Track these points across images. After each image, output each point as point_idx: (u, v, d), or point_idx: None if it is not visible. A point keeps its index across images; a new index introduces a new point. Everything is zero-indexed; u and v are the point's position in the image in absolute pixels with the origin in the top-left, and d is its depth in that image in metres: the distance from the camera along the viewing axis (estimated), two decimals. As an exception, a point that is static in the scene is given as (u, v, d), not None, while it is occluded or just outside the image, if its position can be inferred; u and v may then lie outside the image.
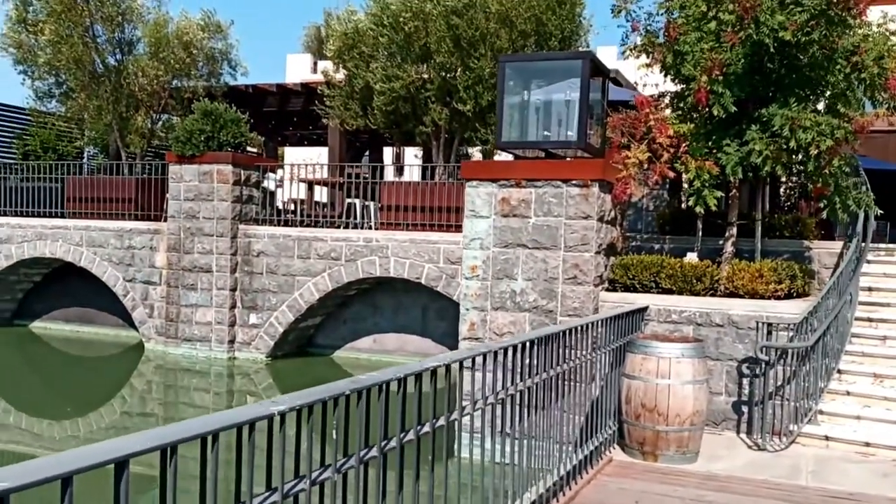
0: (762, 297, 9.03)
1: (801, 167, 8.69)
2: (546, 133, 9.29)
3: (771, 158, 8.56)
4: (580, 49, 14.49)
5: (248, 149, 18.98)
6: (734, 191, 9.86)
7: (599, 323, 7.67)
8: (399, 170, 21.84)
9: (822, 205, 9.35)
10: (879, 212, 9.78)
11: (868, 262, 11.17)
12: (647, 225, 12.32)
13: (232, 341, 15.89)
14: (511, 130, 9.27)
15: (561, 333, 6.61)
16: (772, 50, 8.22)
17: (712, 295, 9.33)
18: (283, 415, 2.84)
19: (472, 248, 9.21)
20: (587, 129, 8.82)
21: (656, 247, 11.33)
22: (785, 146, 8.39)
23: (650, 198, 12.46)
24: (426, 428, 4.14)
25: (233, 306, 15.87)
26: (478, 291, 9.29)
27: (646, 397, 7.45)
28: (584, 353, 7.53)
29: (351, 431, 3.33)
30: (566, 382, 7.47)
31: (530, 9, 13.20)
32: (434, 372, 4.07)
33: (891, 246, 11.96)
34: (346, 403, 3.31)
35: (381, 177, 18.27)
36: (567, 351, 7.15)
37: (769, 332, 8.12)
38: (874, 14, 10.52)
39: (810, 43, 8.29)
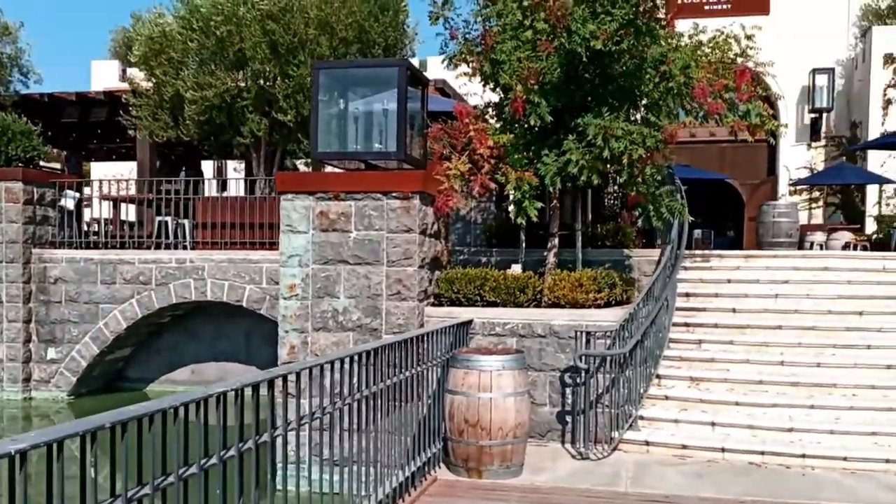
0: (583, 307, 9.47)
1: (617, 176, 9.18)
2: (365, 144, 9.33)
3: (587, 168, 9.02)
4: (405, 58, 14.71)
5: (45, 164, 17.76)
6: (555, 201, 10.29)
7: (421, 338, 7.77)
8: (223, 185, 21.22)
9: (636, 213, 9.95)
10: (690, 219, 10.53)
11: (686, 268, 12.04)
12: (477, 238, 12.65)
13: (27, 380, 14.74)
14: (329, 141, 9.24)
15: (374, 351, 6.63)
16: (584, 59, 8.68)
17: (536, 306, 9.69)
18: (23, 453, 2.64)
19: (289, 265, 9.07)
20: (406, 140, 8.94)
21: (483, 259, 11.64)
22: (600, 155, 8.86)
23: (478, 210, 12.81)
24: (232, 451, 4.03)
25: (27, 340, 14.74)
26: (297, 312, 9.15)
27: (468, 412, 7.61)
28: (406, 369, 7.60)
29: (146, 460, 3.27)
30: (391, 401, 7.52)
31: (351, 15, 13.27)
32: (222, 397, 3.95)
33: (707, 252, 12.97)
34: (112, 436, 3.15)
35: (199, 192, 17.66)
36: (388, 368, 7.19)
37: (587, 341, 8.53)
38: (686, 24, 11.43)
39: (621, 52, 8.83)
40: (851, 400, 8.74)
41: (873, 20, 20.80)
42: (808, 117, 21.80)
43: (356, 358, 6.40)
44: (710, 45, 11.21)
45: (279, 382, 4.74)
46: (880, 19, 20.81)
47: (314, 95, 8.85)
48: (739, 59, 11.25)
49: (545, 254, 10.52)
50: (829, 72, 21.18)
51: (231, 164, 24.71)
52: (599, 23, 8.53)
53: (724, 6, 21.66)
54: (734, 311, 10.73)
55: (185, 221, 15.44)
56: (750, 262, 12.06)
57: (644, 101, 9.36)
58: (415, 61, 16.56)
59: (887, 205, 20.07)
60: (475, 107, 10.56)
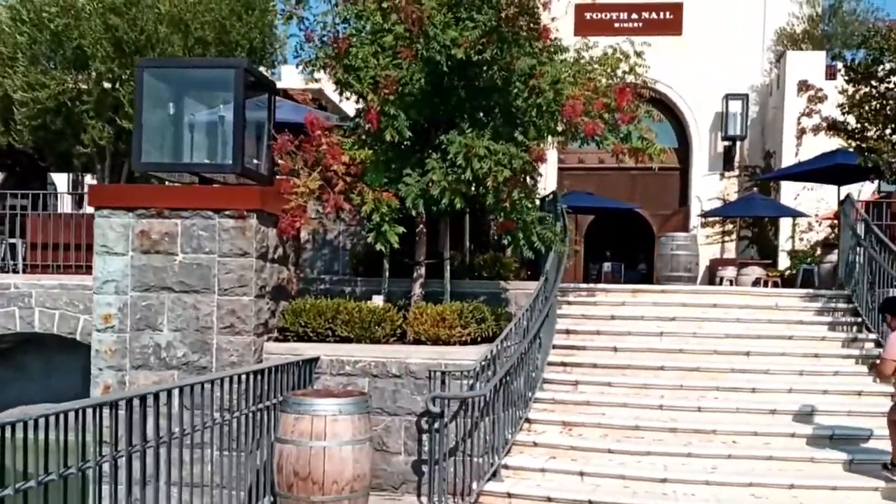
0: (447, 343, 9.36)
1: (483, 200, 9.14)
2: (199, 155, 9.05)
3: (448, 190, 8.95)
4: (275, 62, 14.51)
5: None
6: (421, 226, 10.20)
7: (243, 377, 7.50)
8: (79, 200, 20.41)
9: (506, 241, 9.93)
10: (565, 249, 10.57)
11: (569, 303, 12.13)
12: (345, 266, 12.43)
13: None
14: (156, 150, 8.92)
15: (180, 389, 6.34)
16: (445, 69, 8.64)
17: (397, 342, 9.53)
18: None
19: (104, 292, 8.66)
20: (244, 152, 8.70)
21: (347, 290, 11.44)
22: (462, 177, 8.80)
23: (347, 235, 12.61)
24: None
25: None
26: (113, 346, 8.74)
27: (298, 463, 7.35)
28: (232, 412, 7.30)
29: None
30: (217, 449, 7.19)
31: (210, 12, 13.00)
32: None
33: (592, 286, 13.10)
34: None
35: (45, 208, 16.89)
36: (210, 412, 6.88)
37: (443, 382, 8.39)
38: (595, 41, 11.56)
39: (487, 62, 8.83)
40: (731, 447, 8.84)
41: (788, 45, 21.63)
42: (721, 145, 22.47)
43: (156, 397, 6.10)
44: (600, 61, 11.37)
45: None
46: (795, 44, 21.65)
47: (137, 97, 8.54)
48: (629, 77, 11.41)
49: (413, 284, 10.39)
50: (743, 98, 21.90)
51: (88, 179, 23.84)
52: (462, 29, 8.51)
53: (635, 24, 22.24)
54: (615, 350, 10.82)
55: (17, 241, 14.74)
56: (637, 297, 12.22)
57: (516, 118, 9.34)
58: (289, 68, 16.35)
59: (801, 239, 20.77)
60: (343, 118, 10.43)
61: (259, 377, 7.91)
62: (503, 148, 8.87)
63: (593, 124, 9.44)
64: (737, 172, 22.45)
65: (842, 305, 11.53)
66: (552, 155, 22.02)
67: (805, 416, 9.24)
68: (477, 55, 8.48)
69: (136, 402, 5.84)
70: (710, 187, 22.59)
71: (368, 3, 8.98)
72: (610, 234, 24.70)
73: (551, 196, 12.40)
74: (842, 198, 14.20)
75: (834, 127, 14.16)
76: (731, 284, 18.17)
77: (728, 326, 11.20)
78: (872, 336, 10.78)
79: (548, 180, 22.27)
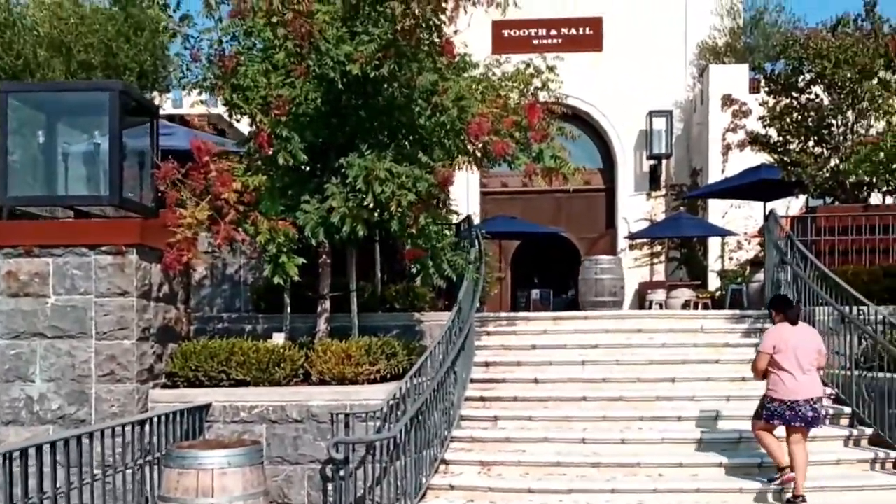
0: (354, 382, 9.06)
1: (388, 226, 8.91)
2: (75, 186, 8.63)
3: (350, 217, 8.70)
4: (169, 87, 14.11)
5: None
6: (324, 257, 9.92)
7: (127, 429, 7.12)
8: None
9: (414, 269, 9.71)
10: (479, 276, 10.40)
11: (488, 333, 11.97)
12: (247, 302, 12.03)
13: None
14: (25, 183, 8.47)
15: (52, 445, 5.93)
16: (340, 86, 8.42)
17: (299, 384, 9.20)
18: None
19: (-34, 340, 8.13)
20: (123, 182, 8.31)
21: (248, 328, 11.07)
22: (363, 202, 8.57)
23: (249, 269, 12.22)
24: None
25: None
26: (-21, 400, 8.19)
27: (184, 523, 6.93)
28: (108, 469, 6.89)
29: None
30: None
31: (94, 34, 12.56)
32: None
33: (513, 315, 12.96)
34: None
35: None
36: (76, 469, 6.47)
37: (347, 425, 8.09)
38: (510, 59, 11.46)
39: (386, 79, 8.64)
40: (657, 481, 8.71)
41: (711, 59, 22.00)
42: (646, 164, 22.69)
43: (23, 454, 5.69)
44: (512, 77, 11.31)
45: None
46: (718, 58, 22.03)
47: (1, 125, 8.08)
48: (542, 94, 11.37)
49: (317, 320, 10.09)
50: (667, 114, 22.16)
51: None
52: (358, 43, 8.30)
53: (554, 41, 22.37)
54: (536, 381, 10.68)
55: None
56: (559, 324, 12.13)
57: (421, 139, 9.17)
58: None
59: (731, 259, 21.02)
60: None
61: (143, 428, 7.52)
62: (406, 170, 8.66)
63: (503, 143, 9.31)
64: (663, 192, 22.69)
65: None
66: (474, 179, 22.02)
67: (732, 443, 9.17)
68: (374, 71, 8.27)
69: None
70: (637, 208, 22.77)
71: (257, 19, 8.71)
72: (537, 260, 24.68)
73: (466, 221, 12.20)
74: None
75: (755, 140, 14.35)
76: (661, 308, 18.26)
77: (653, 352, 11.14)
78: (800, 356, 10.80)
79: (470, 205, 22.18)
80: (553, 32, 22.44)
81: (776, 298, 8.72)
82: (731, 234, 19.93)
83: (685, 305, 17.79)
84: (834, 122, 13.05)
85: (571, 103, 22.66)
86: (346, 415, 8.13)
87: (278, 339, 9.73)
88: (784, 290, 11.42)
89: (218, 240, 8.82)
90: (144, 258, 8.35)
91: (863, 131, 12.48)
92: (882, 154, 10.00)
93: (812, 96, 13.57)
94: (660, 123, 22.16)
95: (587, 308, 15.44)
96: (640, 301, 21.10)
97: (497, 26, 21.62)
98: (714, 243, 21.35)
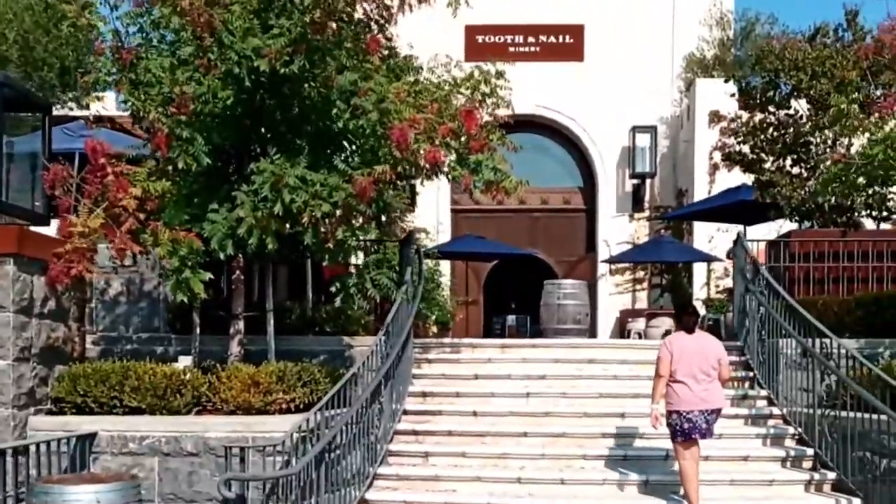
0: (261, 412, 8.75)
1: (301, 240, 8.62)
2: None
3: (258, 228, 8.42)
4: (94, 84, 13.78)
5: None
6: (238, 272, 9.62)
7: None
8: None
9: (333, 288, 9.42)
10: (405, 297, 10.05)
11: (429, 361, 11.64)
12: (166, 321, 11.68)
13: None
14: None
15: None
16: (248, 84, 8.16)
17: (202, 412, 8.87)
18: None
19: None
20: (6, 185, 7.99)
21: (160, 349, 10.78)
22: (272, 212, 8.29)
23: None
24: None
25: None
26: None
27: (40, 567, 6.56)
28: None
29: None
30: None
31: (8, 24, 12.28)
32: None
33: (458, 342, 12.63)
34: None
35: None
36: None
37: (243, 459, 7.73)
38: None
39: (304, 78, 8.40)
40: (594, 527, 8.35)
41: (699, 72, 21.77)
42: (629, 183, 22.41)
43: None
44: (457, 83, 11.04)
45: None
46: (706, 71, 21.77)
47: None
48: (489, 101, 11.09)
49: (230, 342, 9.77)
50: (651, 130, 21.85)
51: None
52: (269, 37, 8.04)
53: (532, 48, 22.19)
54: (475, 414, 10.35)
55: None
56: (506, 352, 11.82)
57: (340, 145, 8.91)
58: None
59: (717, 286, 20.68)
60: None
61: (17, 459, 7.16)
62: (321, 178, 8.41)
63: (434, 152, 9.02)
64: (647, 213, 22.37)
65: (733, 358, 11.21)
66: (445, 195, 21.75)
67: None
68: (283, 67, 7.99)
69: None
70: (619, 230, 22.44)
71: (163, 8, 8.42)
72: (514, 284, 24.34)
73: (407, 238, 11.88)
74: (757, 237, 14.10)
75: (729, 158, 14.08)
76: (640, 337, 17.92)
77: (603, 384, 10.82)
78: (764, 392, 10.53)
79: (440, 223, 21.97)
80: (531, 40, 22.20)
81: (678, 305, 8.71)
82: (715, 259, 19.58)
83: (665, 335, 17.43)
84: (813, 139, 12.80)
85: (550, 116, 22.52)
86: (242, 448, 7.76)
87: (184, 362, 9.42)
88: (750, 320, 11.12)
89: (113, 252, 8.51)
90: (24, 269, 8.03)
91: (843, 150, 12.18)
92: (858, 175, 9.68)
93: (791, 111, 13.31)
94: (644, 140, 21.84)
95: (549, 335, 15.12)
96: (621, 330, 20.77)
97: (471, 31, 21.40)
98: (700, 269, 21.01)
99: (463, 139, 9.88)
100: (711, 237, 20.51)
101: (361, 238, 9.27)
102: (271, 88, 8.55)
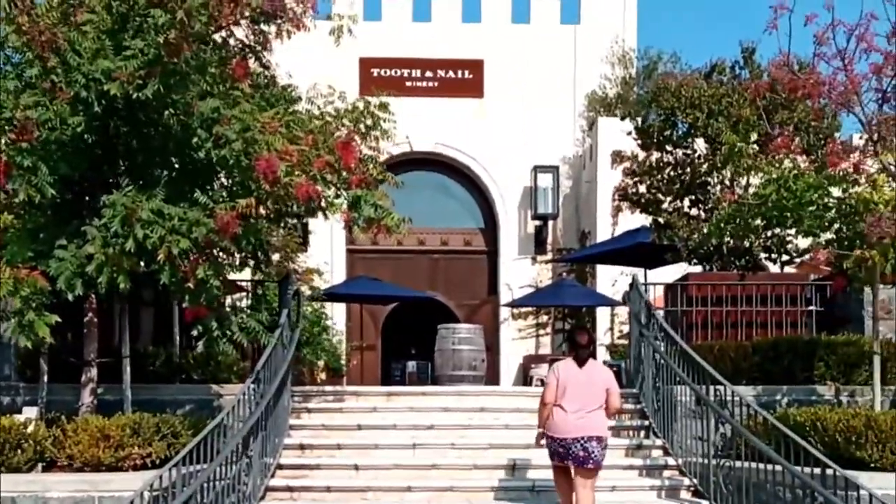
0: (112, 468, 8.27)
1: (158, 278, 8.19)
2: None
3: (109, 265, 7.99)
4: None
5: None
6: (91, 314, 9.14)
7: None
8: None
9: (194, 332, 8.99)
10: (275, 341, 9.67)
11: (309, 411, 11.27)
12: (17, 368, 11.05)
13: None
14: None
15: None
16: (98, 109, 7.76)
17: (46, 469, 8.36)
18: None
19: None
20: None
21: (7, 399, 10.22)
22: (124, 248, 7.87)
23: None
24: None
25: None
26: None
27: None
28: None
29: None
30: None
31: None
32: None
33: (340, 390, 12.31)
34: None
35: None
36: None
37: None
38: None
39: (162, 104, 8.06)
40: (475, 590, 8.03)
41: (601, 111, 21.95)
42: (532, 225, 22.39)
43: None
44: (339, 115, 10.83)
45: None
46: (609, 110, 21.96)
47: None
48: (374, 134, 10.89)
49: (81, 391, 9.25)
50: (553, 170, 21.92)
51: None
52: (121, 59, 7.67)
53: (430, 83, 22.13)
54: (357, 468, 10.00)
55: None
56: (392, 401, 11.53)
57: (201, 176, 8.55)
58: None
59: (620, 332, 20.70)
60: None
61: None
62: (179, 212, 8.05)
63: (307, 186, 8.69)
64: (550, 256, 22.36)
65: (629, 406, 11.12)
66: (339, 234, 21.38)
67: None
68: (136, 92, 7.63)
69: None
70: (521, 273, 22.36)
71: (4, 26, 7.98)
72: (414, 329, 24.02)
73: (285, 279, 11.51)
74: (661, 281, 14.12)
75: (626, 198, 14.10)
76: (542, 384, 17.76)
77: (494, 434, 10.59)
78: (659, 442, 10.41)
79: (335, 264, 21.59)
80: (429, 74, 22.13)
81: (572, 330, 8.68)
82: (618, 303, 19.59)
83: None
84: (711, 179, 12.89)
85: (450, 154, 22.43)
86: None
87: (28, 413, 8.88)
88: (645, 366, 11.02)
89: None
90: None
91: (740, 191, 12.28)
92: (752, 216, 9.68)
93: (689, 151, 13.40)
94: (546, 180, 21.91)
95: (443, 382, 14.85)
96: (525, 376, 20.64)
97: (365, 64, 21.32)
98: (603, 314, 21.04)
99: (345, 174, 9.67)
100: (615, 281, 20.51)
101: (243, 279, 8.85)
102: (126, 115, 8.21)
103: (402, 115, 20.78)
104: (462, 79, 22.28)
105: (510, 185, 22.23)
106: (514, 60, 22.15)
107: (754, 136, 12.70)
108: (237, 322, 8.80)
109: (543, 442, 8.40)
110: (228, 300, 12.57)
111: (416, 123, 21.41)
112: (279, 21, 9.46)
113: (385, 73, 21.67)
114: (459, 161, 22.32)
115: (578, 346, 8.40)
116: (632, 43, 22.86)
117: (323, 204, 9.58)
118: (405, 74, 21.98)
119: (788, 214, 9.56)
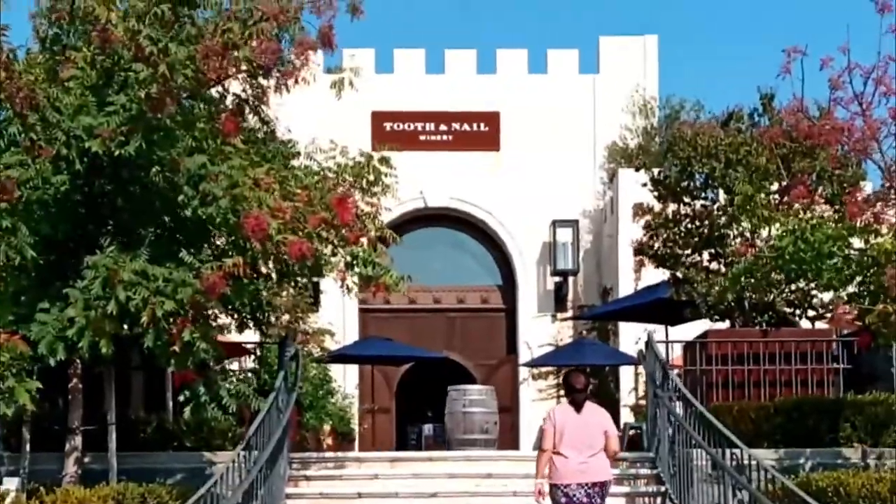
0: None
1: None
2: None
3: (90, 329, 7.93)
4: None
5: None
6: (75, 380, 9.12)
7: None
8: None
9: (182, 398, 8.89)
10: (264, 404, 9.53)
11: (308, 478, 11.10)
12: (1, 437, 10.98)
13: None
14: None
15: None
16: (79, 167, 7.76)
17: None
18: None
19: None
20: None
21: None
22: (106, 311, 7.83)
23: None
24: None
25: None
26: None
27: None
28: None
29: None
30: None
31: None
32: None
33: (342, 456, 12.20)
34: None
35: None
36: None
37: None
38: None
39: (147, 161, 8.07)
40: None
41: (622, 162, 21.80)
42: (551, 281, 22.20)
43: None
44: (340, 170, 10.82)
45: None
46: (630, 161, 21.78)
47: None
48: (375, 189, 10.85)
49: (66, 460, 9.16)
50: (573, 224, 21.78)
51: None
52: (103, 115, 7.69)
53: (445, 137, 22.14)
54: (354, 538, 9.77)
55: None
56: (396, 467, 11.43)
57: (188, 235, 8.52)
58: None
59: (644, 392, 20.37)
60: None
61: None
62: (164, 272, 8.02)
63: (299, 244, 8.60)
64: (570, 313, 22.12)
65: (644, 471, 10.92)
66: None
67: None
68: (119, 149, 7.63)
69: None
70: (541, 331, 22.11)
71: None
72: (430, 391, 23.79)
73: (284, 340, 11.42)
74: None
75: (642, 252, 13.94)
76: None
77: (501, 502, 10.34)
78: (676, 508, 10.12)
79: (347, 324, 21.46)
80: (443, 127, 22.16)
81: (567, 374, 8.90)
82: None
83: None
84: (730, 231, 12.69)
85: (466, 210, 22.37)
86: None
87: (9, 484, 8.80)
88: (661, 429, 10.77)
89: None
90: None
91: (761, 243, 12.08)
92: (769, 269, 9.50)
93: (708, 202, 13.26)
94: (565, 235, 21.77)
95: (454, 446, 14.64)
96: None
97: (377, 118, 21.37)
98: (627, 374, 20.73)
99: (343, 231, 9.61)
100: (638, 339, 20.19)
101: (249, 342, 8.78)
102: (110, 173, 8.23)
103: (416, 170, 21.20)
104: (477, 131, 22.29)
105: (528, 240, 22.10)
106: (532, 112, 22.08)
107: (775, 186, 12.57)
108: (226, 387, 8.67)
109: (544, 491, 8.30)
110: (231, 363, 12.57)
111: (430, 178, 21.51)
112: (277, 74, 9.50)
113: (398, 126, 21.75)
114: (475, 216, 22.25)
115: (574, 389, 8.33)
116: (653, 92, 22.76)
117: (319, 262, 9.45)
118: (419, 128, 22.05)
119: (806, 267, 9.37)
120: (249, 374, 11.38)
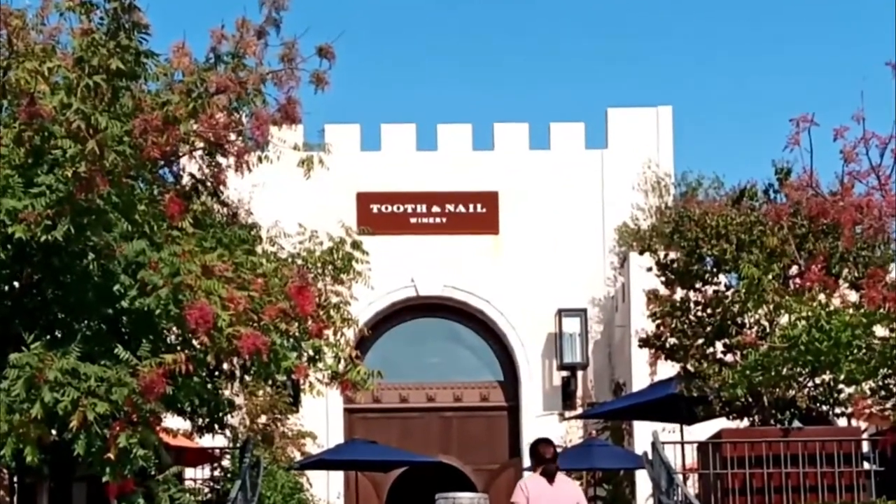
0: None
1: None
2: None
3: (14, 435, 7.73)
4: None
5: None
6: (1, 492, 8.80)
7: None
8: None
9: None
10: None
11: None
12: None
13: None
14: None
15: None
16: (1, 255, 7.65)
17: None
18: None
19: None
20: None
21: None
22: (33, 414, 7.64)
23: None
24: None
25: None
26: None
27: None
28: None
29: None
30: None
31: None
32: None
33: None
34: None
35: None
36: None
37: None
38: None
39: (83, 248, 7.97)
40: None
41: (634, 245, 21.63)
42: (557, 376, 21.93)
43: None
44: (306, 257, 10.72)
45: None
46: (642, 244, 21.60)
47: None
48: (344, 276, 10.71)
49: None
50: (581, 314, 21.62)
51: None
52: (29, 197, 7.59)
53: (438, 220, 22.10)
54: None
55: None
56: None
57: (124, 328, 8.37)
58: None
59: (665, 498, 19.97)
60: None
61: None
62: (98, 370, 7.83)
63: (253, 337, 8.41)
64: (580, 411, 21.78)
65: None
66: (335, 393, 20.97)
67: None
68: (44, 234, 7.51)
69: None
70: (547, 431, 21.58)
71: None
72: (426, 499, 23.39)
73: (244, 445, 11.20)
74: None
75: (647, 343, 13.72)
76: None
77: None
78: None
79: (331, 426, 21.17)
80: (436, 209, 22.14)
81: (535, 443, 8.83)
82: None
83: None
84: (745, 320, 12.47)
85: (461, 298, 22.23)
86: None
87: None
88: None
89: None
90: None
91: (780, 332, 11.85)
92: (783, 361, 9.25)
93: (721, 288, 13.07)
94: (572, 325, 21.60)
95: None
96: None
97: (363, 199, 21.35)
98: (643, 478, 20.29)
99: (308, 322, 9.45)
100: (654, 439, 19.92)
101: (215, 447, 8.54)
102: (39, 260, 8.08)
103: (407, 256, 21.10)
104: (474, 213, 22.26)
105: (531, 330, 21.93)
106: (533, 191, 22.15)
107: (794, 269, 12.37)
108: (168, 497, 8.41)
109: None
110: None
111: (422, 264, 21.43)
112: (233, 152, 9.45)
113: (386, 208, 21.75)
114: (472, 305, 22.14)
115: (545, 459, 8.31)
116: (667, 167, 22.74)
117: (273, 357, 9.25)
118: (409, 209, 22.04)
119: (824, 358, 9.13)
120: (210, 484, 10.99)
